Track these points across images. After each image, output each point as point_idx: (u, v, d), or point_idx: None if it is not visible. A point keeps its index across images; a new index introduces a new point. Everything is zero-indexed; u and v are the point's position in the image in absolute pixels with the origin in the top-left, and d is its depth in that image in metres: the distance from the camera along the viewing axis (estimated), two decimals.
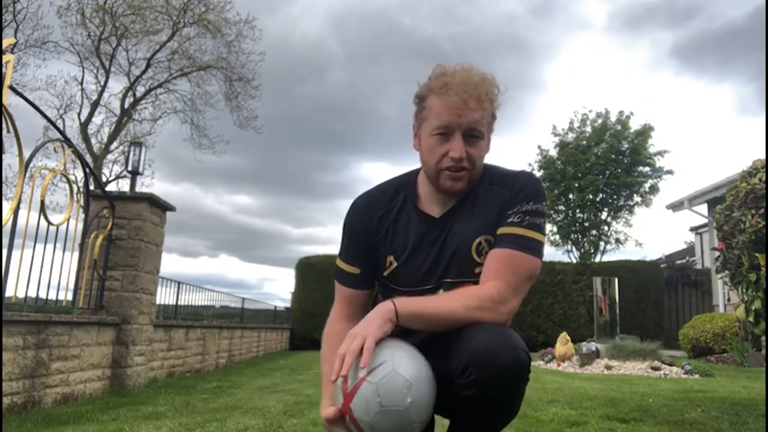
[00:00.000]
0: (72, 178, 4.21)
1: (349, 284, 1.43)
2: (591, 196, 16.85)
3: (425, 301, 1.25)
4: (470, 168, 1.28)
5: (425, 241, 1.35)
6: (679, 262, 15.70)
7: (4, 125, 3.16)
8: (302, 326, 13.61)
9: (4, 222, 3.19)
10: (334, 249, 14.45)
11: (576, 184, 16.65)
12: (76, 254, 4.33)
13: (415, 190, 1.40)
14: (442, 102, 1.25)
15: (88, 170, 4.54)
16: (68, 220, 4.06)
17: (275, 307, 14.60)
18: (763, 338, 7.64)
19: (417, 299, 1.26)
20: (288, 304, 15.43)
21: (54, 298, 4.19)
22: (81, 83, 16.63)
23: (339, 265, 1.45)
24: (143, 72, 16.98)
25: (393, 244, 1.38)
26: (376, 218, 1.39)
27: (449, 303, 1.23)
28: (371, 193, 1.45)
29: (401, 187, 1.42)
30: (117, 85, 22.79)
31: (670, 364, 6.41)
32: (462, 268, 1.32)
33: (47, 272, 3.82)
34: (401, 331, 1.31)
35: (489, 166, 1.38)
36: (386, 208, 1.40)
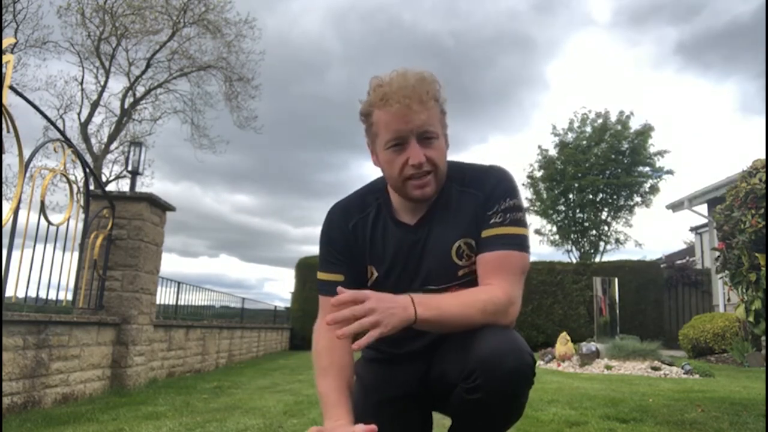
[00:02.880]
0: (72, 178, 4.21)
1: (334, 292, 1.35)
2: (591, 196, 16.82)
3: (442, 305, 1.19)
4: (433, 170, 1.25)
5: (404, 250, 1.33)
6: (679, 262, 15.70)
7: (4, 125, 3.16)
8: (302, 326, 13.60)
9: (4, 222, 3.19)
10: None
11: (576, 184, 16.61)
12: (76, 254, 4.33)
13: (387, 198, 1.37)
14: (386, 113, 1.22)
15: (88, 170, 4.54)
16: (68, 220, 4.06)
17: (275, 307, 14.61)
18: (763, 338, 7.64)
19: (434, 302, 1.19)
20: (288, 304, 15.43)
21: (54, 298, 4.19)
22: (81, 83, 16.67)
23: (321, 278, 1.40)
24: (143, 72, 17.00)
25: (372, 254, 1.36)
26: (350, 226, 1.37)
27: (468, 309, 1.19)
28: (343, 202, 1.43)
29: (373, 195, 1.40)
30: (117, 85, 22.85)
31: (670, 364, 6.41)
32: (445, 273, 1.31)
33: (47, 272, 3.83)
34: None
35: (459, 165, 1.35)
36: (360, 216, 1.38)
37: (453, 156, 1.37)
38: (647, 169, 16.73)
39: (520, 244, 1.26)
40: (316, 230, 1.44)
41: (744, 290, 7.49)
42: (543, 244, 18.15)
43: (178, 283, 7.38)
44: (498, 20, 30.17)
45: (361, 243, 1.37)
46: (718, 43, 34.04)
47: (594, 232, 17.29)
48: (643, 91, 35.49)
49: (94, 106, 16.61)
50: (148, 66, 16.90)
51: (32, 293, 3.74)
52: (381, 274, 1.36)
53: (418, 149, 1.22)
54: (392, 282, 1.34)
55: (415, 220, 1.33)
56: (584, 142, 17.07)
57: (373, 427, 1.11)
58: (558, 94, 36.79)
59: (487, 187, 1.30)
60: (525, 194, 17.91)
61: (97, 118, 16.96)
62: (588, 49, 35.41)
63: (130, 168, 6.32)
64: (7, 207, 3.31)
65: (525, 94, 36.13)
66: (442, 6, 30.28)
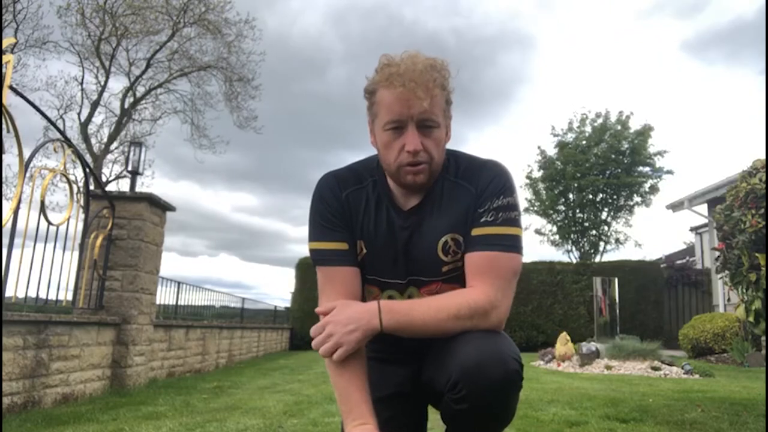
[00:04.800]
0: (72, 178, 4.22)
1: (341, 261, 1.30)
2: (591, 196, 16.82)
3: (412, 310, 1.18)
4: (428, 161, 1.22)
5: (394, 232, 1.30)
6: (679, 262, 15.69)
7: (4, 125, 3.16)
8: (302, 326, 13.60)
9: (4, 222, 3.18)
10: None
11: (576, 184, 16.62)
12: (76, 254, 4.33)
13: (383, 178, 1.33)
14: (390, 94, 1.19)
15: (88, 170, 4.54)
16: (68, 220, 4.06)
17: (275, 307, 14.61)
18: (763, 338, 7.64)
19: (404, 308, 1.19)
20: (288, 304, 15.43)
21: (54, 298, 4.19)
22: (81, 83, 16.64)
23: (320, 248, 1.31)
24: (143, 72, 16.98)
25: (363, 229, 1.32)
26: (344, 195, 1.33)
27: (439, 314, 1.16)
28: (335, 172, 1.38)
29: (368, 172, 1.36)
30: (117, 85, 22.86)
31: (670, 364, 6.41)
32: (429, 267, 1.29)
33: (47, 272, 3.82)
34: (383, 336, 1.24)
35: (455, 154, 1.32)
36: (354, 188, 1.34)
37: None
38: (647, 169, 16.74)
39: (511, 245, 1.22)
40: None
41: (744, 290, 7.50)
42: (543, 244, 18.19)
43: (178, 283, 7.38)
44: (500, 17, 30.20)
45: (354, 215, 1.32)
46: (722, 40, 34.09)
47: (594, 232, 17.30)
48: (644, 90, 35.57)
49: (94, 106, 16.60)
50: (148, 66, 16.89)
51: (32, 293, 3.74)
52: (369, 252, 1.32)
53: (416, 136, 1.20)
54: (379, 263, 1.32)
55: (408, 206, 1.30)
56: (584, 142, 17.08)
57: None
58: (558, 93, 36.86)
59: (481, 183, 1.26)
60: (524, 194, 17.94)
61: (97, 118, 16.96)
62: (591, 47, 35.46)
63: (130, 168, 6.31)
64: (7, 207, 3.31)
65: (525, 92, 36.21)
66: (442, 3, 30.28)
